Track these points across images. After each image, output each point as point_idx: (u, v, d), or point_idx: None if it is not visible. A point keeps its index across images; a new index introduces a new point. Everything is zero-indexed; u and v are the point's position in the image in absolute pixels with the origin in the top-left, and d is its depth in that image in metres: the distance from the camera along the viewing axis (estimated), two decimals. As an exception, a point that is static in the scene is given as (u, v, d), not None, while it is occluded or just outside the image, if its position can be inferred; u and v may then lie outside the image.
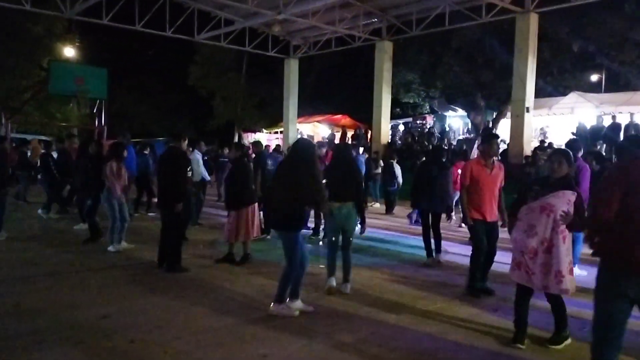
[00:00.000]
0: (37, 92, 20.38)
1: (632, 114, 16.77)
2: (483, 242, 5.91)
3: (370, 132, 23.44)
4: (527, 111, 16.28)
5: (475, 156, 5.88)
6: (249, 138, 30.30)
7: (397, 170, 13.53)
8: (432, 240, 7.74)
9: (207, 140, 22.84)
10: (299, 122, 25.57)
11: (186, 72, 31.65)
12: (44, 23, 22.50)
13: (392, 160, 13.73)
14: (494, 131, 19.24)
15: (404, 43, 21.08)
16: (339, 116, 27.05)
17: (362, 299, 5.76)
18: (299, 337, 4.54)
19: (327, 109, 28.97)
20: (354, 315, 5.18)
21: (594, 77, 22.32)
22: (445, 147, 17.86)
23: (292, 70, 23.92)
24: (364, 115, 28.05)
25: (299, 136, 25.18)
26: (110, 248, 7.81)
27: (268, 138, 29.71)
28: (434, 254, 7.73)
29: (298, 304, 5.21)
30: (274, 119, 29.99)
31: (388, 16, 19.60)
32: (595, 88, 21.44)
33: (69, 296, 5.58)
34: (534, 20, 16.11)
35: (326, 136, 24.57)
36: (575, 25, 18.06)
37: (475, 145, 20.47)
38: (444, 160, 8.38)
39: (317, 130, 27.01)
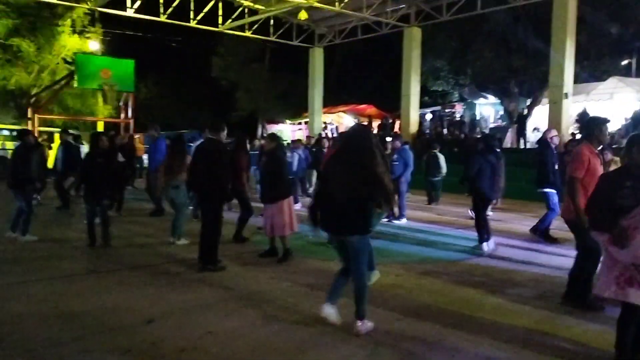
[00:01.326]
0: (63, 86, 20.29)
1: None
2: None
3: (397, 121, 22.96)
4: (566, 97, 15.65)
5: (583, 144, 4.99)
6: (273, 129, 30.06)
7: (442, 160, 13.05)
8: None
9: (230, 133, 22.66)
10: (324, 113, 25.16)
11: (209, 64, 31.44)
12: (67, 16, 22.45)
13: (434, 150, 13.24)
14: (528, 118, 18.66)
15: (432, 29, 20.50)
16: (364, 106, 26.59)
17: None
18: (353, 342, 4.19)
19: (350, 99, 28.56)
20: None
21: (631, 62, 21.40)
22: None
23: (316, 59, 23.50)
24: (390, 105, 27.59)
25: (326, 127, 24.85)
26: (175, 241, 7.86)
27: (292, 129, 29.46)
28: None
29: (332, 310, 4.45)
30: (297, 109, 29.66)
31: (417, 1, 19.04)
32: (632, 73, 20.55)
33: (111, 297, 5.31)
34: (572, 2, 15.42)
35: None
36: (613, 7, 17.30)
37: (509, 132, 19.92)
38: (497, 149, 8.48)
39: (341, 120, 26.57)
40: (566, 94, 15.66)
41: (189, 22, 19.21)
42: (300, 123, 29.30)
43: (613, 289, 3.59)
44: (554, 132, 8.99)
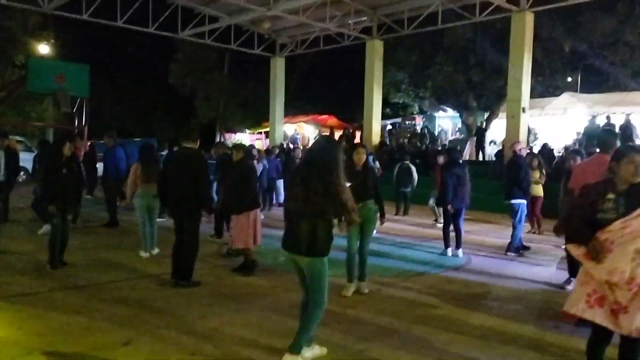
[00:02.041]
0: (12, 90, 19.35)
1: (628, 114, 16.69)
2: None
3: (358, 133, 23.07)
4: (524, 111, 16.05)
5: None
6: (231, 138, 29.68)
7: (414, 171, 13.08)
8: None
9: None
10: (284, 123, 25.00)
11: (166, 70, 30.78)
12: (17, 18, 21.51)
13: (406, 162, 13.27)
14: (487, 132, 19.10)
15: (393, 42, 20.75)
16: (325, 116, 26.60)
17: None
18: None
19: (310, 110, 28.54)
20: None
21: (582, 78, 22.29)
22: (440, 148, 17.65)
23: (278, 69, 23.34)
24: (350, 116, 27.79)
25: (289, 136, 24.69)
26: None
27: (251, 138, 29.14)
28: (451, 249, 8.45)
29: (316, 349, 4.10)
30: (257, 119, 29.42)
31: (379, 14, 19.21)
32: (584, 89, 21.40)
33: (80, 318, 4.96)
34: (529, 19, 15.88)
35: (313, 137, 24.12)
36: (567, 26, 17.98)
37: (467, 144, 20.35)
38: (460, 161, 8.96)
39: (302, 131, 26.49)
40: (524, 108, 16.07)
41: (148, 28, 18.71)
42: (260, 133, 29.03)
43: (581, 306, 3.38)
44: (522, 144, 9.19)
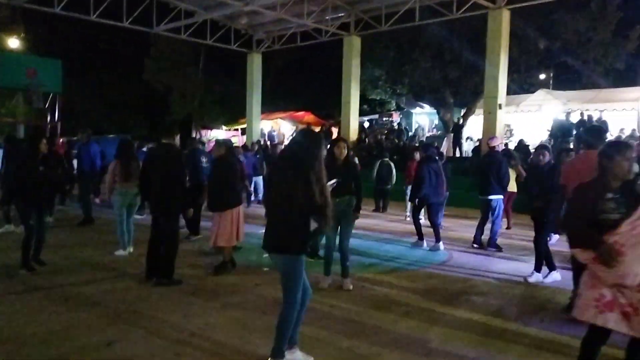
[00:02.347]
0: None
1: (601, 111, 17.03)
2: None
3: (334, 129, 23.06)
4: (500, 108, 16.22)
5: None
6: (207, 135, 29.35)
7: (393, 168, 13.08)
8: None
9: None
10: (261, 119, 24.82)
11: (141, 66, 30.22)
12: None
13: (386, 159, 13.27)
14: (463, 128, 19.26)
15: (371, 39, 20.76)
16: (301, 113, 26.48)
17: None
18: None
19: (287, 106, 28.38)
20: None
21: (555, 75, 22.67)
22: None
23: (255, 65, 23.16)
24: (326, 112, 27.70)
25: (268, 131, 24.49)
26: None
27: (227, 135, 28.83)
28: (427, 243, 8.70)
29: (298, 355, 3.91)
30: (233, 115, 29.12)
31: (356, 10, 19.19)
32: (557, 86, 21.76)
33: (61, 318, 4.79)
34: (506, 16, 16.06)
35: (291, 133, 24.01)
36: (542, 24, 18.23)
37: (445, 141, 20.50)
38: (436, 156, 9.38)
39: (279, 127, 26.33)
40: (500, 105, 16.24)
41: (122, 22, 18.33)
42: (236, 129, 28.76)
43: (592, 312, 3.26)
44: (499, 140, 9.28)
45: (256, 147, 15.09)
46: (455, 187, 13.20)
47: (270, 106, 26.65)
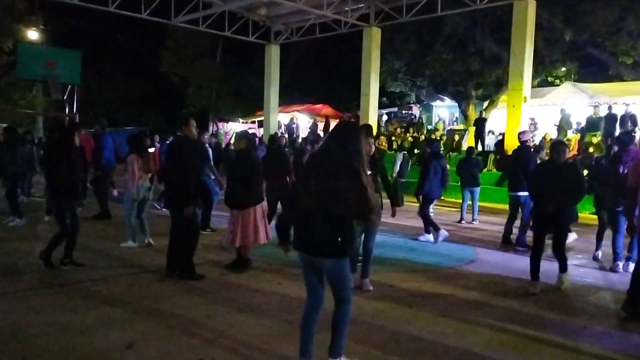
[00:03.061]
0: (0, 77, 18.72)
1: (627, 105, 16.47)
2: None
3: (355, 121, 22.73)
4: (525, 101, 15.79)
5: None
6: (224, 127, 29.20)
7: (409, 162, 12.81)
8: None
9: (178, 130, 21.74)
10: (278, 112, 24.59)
11: (157, 58, 30.13)
12: (3, 3, 20.85)
13: (405, 152, 13.03)
14: (486, 122, 18.81)
15: (391, 30, 20.36)
16: (319, 105, 26.19)
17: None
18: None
19: (304, 99, 28.09)
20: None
21: (581, 67, 21.98)
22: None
23: (273, 57, 22.90)
24: (345, 105, 27.38)
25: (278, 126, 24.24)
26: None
27: (244, 127, 28.65)
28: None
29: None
30: (250, 107, 28.94)
31: (376, 1, 18.81)
32: (583, 78, 21.14)
33: (77, 317, 4.61)
34: (532, 6, 15.56)
35: (308, 126, 23.77)
36: (569, 14, 17.70)
37: (466, 134, 20.05)
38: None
39: (297, 120, 26.06)
40: (525, 98, 15.81)
41: (140, 13, 18.19)
42: (253, 122, 28.58)
43: None
44: (530, 134, 8.91)
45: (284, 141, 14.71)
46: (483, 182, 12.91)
47: (287, 98, 26.40)
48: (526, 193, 8.13)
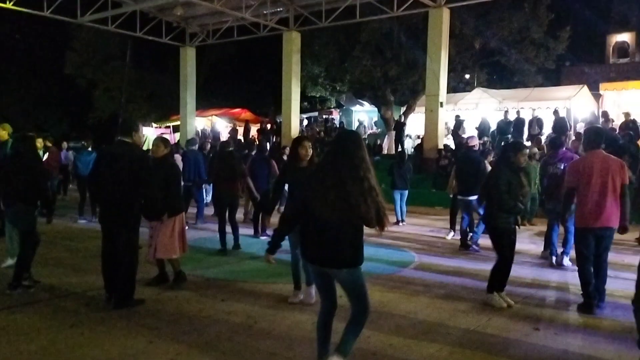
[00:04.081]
0: None
1: (533, 109, 17.57)
2: None
3: (272, 127, 22.56)
4: (441, 106, 16.37)
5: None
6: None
7: None
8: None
9: (85, 136, 20.48)
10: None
11: (61, 59, 28.19)
12: None
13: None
14: (405, 126, 19.30)
15: (310, 35, 20.41)
16: (238, 110, 25.65)
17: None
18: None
19: (221, 103, 27.47)
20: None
21: (490, 74, 23.25)
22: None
23: (189, 59, 22.19)
24: (262, 109, 27.07)
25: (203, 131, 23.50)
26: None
27: (157, 133, 27.52)
28: None
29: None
30: (164, 112, 27.85)
31: (295, 5, 18.73)
32: (492, 85, 22.32)
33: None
34: (446, 15, 16.17)
35: (227, 131, 23.21)
36: (479, 23, 18.59)
37: (386, 138, 20.49)
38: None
39: (214, 125, 25.39)
40: (441, 103, 16.37)
41: (42, 11, 16.88)
42: (167, 127, 27.51)
43: None
44: (476, 140, 9.21)
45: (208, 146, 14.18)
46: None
47: (204, 102, 25.68)
48: (476, 197, 8.33)
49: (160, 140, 6.33)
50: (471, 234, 8.57)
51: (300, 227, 3.61)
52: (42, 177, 6.18)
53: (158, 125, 28.49)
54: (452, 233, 9.59)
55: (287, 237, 4.31)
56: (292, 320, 4.92)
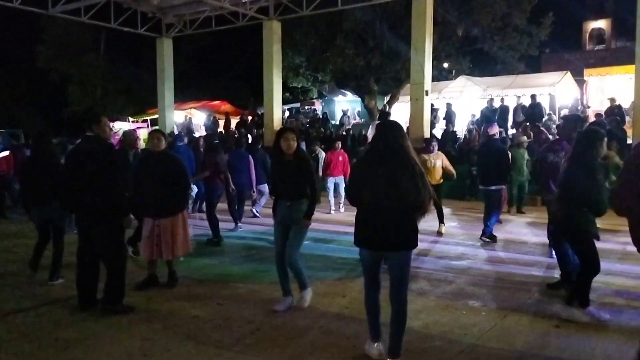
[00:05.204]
0: None
1: (518, 97, 17.48)
2: None
3: (253, 119, 22.15)
4: (426, 94, 16.12)
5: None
6: (113, 127, 27.08)
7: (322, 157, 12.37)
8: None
9: (59, 132, 19.80)
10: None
11: (32, 52, 27.21)
12: None
13: (318, 147, 12.61)
14: (389, 115, 19.04)
15: (290, 25, 19.97)
16: (217, 102, 25.11)
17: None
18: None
19: (199, 95, 26.85)
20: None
21: (474, 61, 23.08)
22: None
23: (165, 51, 21.50)
24: (242, 101, 26.58)
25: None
26: None
27: (136, 126, 26.82)
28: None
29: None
30: (141, 105, 27.14)
31: (275, -7, 18.27)
32: (476, 72, 22.21)
33: None
34: (430, 2, 15.90)
35: (205, 123, 22.66)
36: (461, 10, 18.41)
37: (370, 129, 20.20)
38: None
39: (193, 118, 24.79)
40: (427, 92, 16.13)
41: (11, 2, 16.14)
42: (144, 120, 26.82)
43: None
44: (496, 128, 8.88)
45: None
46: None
47: (181, 95, 25.04)
48: (502, 186, 8.14)
49: (160, 134, 5.98)
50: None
51: (356, 215, 3.81)
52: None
53: (135, 120, 27.78)
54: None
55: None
56: (296, 327, 4.63)
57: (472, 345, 4.14)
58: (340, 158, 11.46)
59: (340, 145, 11.98)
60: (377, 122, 19.63)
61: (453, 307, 5.09)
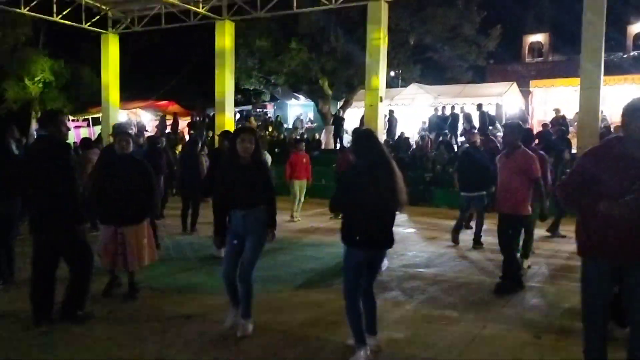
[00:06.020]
0: None
1: (461, 106, 17.94)
2: None
3: (202, 120, 21.66)
4: (381, 101, 16.25)
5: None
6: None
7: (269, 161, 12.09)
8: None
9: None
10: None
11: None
12: None
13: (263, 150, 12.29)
14: (344, 120, 19.10)
15: (243, 26, 19.66)
16: (165, 102, 24.36)
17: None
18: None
19: (145, 95, 25.94)
20: None
21: (424, 70, 23.54)
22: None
23: (111, 47, 20.65)
24: (189, 102, 25.89)
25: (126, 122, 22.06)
26: None
27: (75, 125, 25.58)
28: None
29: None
30: (83, 104, 25.92)
31: (228, -8, 17.91)
32: (426, 80, 22.62)
33: None
34: (385, 8, 16.05)
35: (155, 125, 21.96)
36: (414, 19, 18.71)
37: (323, 133, 20.17)
38: None
39: (138, 118, 23.94)
40: (381, 98, 16.26)
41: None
42: (85, 119, 25.66)
43: None
44: (478, 136, 9.06)
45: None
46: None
47: (127, 94, 24.09)
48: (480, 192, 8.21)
49: (127, 135, 5.60)
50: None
51: (346, 218, 4.01)
52: None
53: (75, 118, 26.51)
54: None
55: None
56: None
57: None
58: (304, 160, 11.13)
59: (304, 147, 11.76)
60: (354, 128, 19.68)
61: (431, 317, 5.03)
